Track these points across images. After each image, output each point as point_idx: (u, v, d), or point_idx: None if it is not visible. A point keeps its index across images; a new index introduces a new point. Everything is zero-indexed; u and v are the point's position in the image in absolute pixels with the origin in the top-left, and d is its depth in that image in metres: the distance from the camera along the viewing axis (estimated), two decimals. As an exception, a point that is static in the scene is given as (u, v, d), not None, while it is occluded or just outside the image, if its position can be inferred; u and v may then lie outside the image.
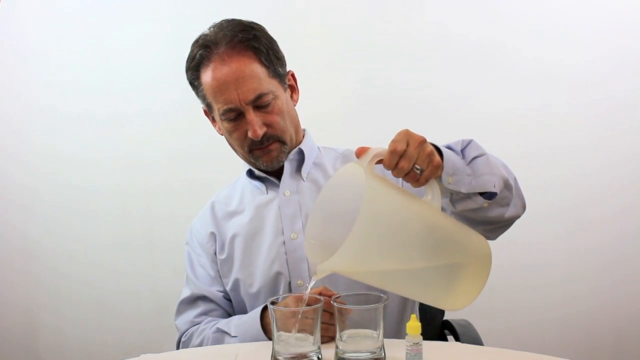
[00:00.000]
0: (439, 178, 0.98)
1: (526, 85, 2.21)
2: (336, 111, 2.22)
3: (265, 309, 1.18)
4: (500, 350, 1.06)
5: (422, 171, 0.93)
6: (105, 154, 2.32)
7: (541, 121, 2.21)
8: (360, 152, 0.92)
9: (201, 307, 1.32)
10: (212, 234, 1.35)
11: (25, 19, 2.32)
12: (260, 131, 1.23)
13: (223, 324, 1.26)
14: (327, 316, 1.05)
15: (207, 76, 1.25)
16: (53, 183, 2.34)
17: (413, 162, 0.92)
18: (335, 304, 0.97)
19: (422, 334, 0.96)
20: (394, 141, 0.92)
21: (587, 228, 2.22)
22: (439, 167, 0.97)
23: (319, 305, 0.97)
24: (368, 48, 2.23)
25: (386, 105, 2.21)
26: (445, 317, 1.50)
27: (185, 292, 1.35)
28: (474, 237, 0.98)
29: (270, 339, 1.14)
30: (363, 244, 0.86)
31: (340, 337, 0.97)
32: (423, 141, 0.94)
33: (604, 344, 2.25)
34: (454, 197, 1.05)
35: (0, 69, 2.33)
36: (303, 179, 1.33)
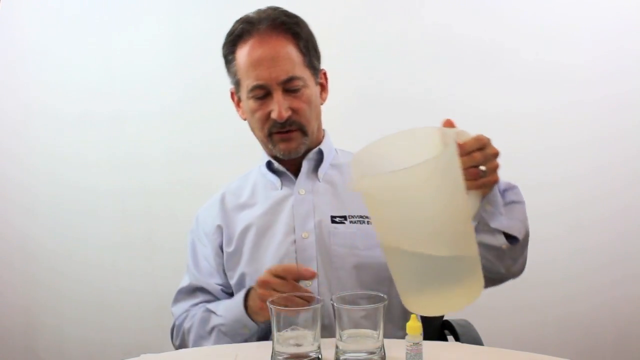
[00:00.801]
0: (481, 196, 1.01)
1: (526, 85, 2.21)
2: (336, 111, 2.20)
3: (249, 291, 1.19)
4: (500, 350, 1.06)
5: (484, 175, 0.97)
6: (105, 154, 2.32)
7: (541, 121, 2.22)
8: (449, 124, 0.97)
9: (199, 297, 1.33)
10: (219, 226, 1.33)
11: (25, 19, 2.32)
12: (285, 114, 1.23)
13: (212, 305, 1.27)
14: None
15: (243, 51, 1.25)
16: (53, 183, 2.34)
17: (485, 161, 0.96)
18: (335, 304, 0.97)
19: (422, 334, 0.96)
20: (480, 134, 0.97)
21: (587, 227, 2.22)
22: (494, 183, 1.00)
23: (318, 305, 0.97)
24: (368, 48, 2.23)
25: (385, 105, 2.21)
26: (445, 317, 1.50)
27: (185, 281, 1.35)
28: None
29: (252, 319, 1.17)
30: (411, 185, 0.85)
31: (340, 337, 0.97)
32: (498, 154, 0.99)
33: (604, 343, 2.25)
34: (478, 227, 1.07)
35: (0, 69, 2.33)
36: (319, 180, 1.32)
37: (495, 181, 1.00)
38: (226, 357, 1.07)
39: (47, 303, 2.37)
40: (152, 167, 2.31)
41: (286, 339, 0.96)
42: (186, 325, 1.29)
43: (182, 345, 1.31)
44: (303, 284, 1.23)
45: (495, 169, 0.99)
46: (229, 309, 1.21)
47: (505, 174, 1.11)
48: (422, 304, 0.95)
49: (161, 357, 1.09)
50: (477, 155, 0.96)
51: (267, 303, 0.98)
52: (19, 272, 2.38)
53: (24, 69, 2.33)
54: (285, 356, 0.96)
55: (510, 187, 1.14)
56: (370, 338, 0.96)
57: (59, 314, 2.36)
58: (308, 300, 1.02)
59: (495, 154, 0.98)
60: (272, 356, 0.98)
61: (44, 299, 2.37)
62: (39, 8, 2.31)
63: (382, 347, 0.97)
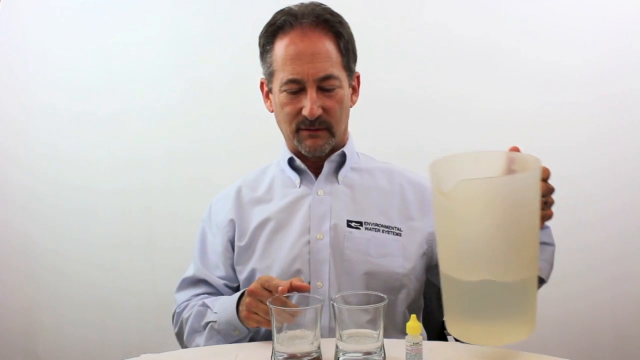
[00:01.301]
0: None
1: (526, 85, 2.21)
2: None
3: (242, 295, 1.18)
4: (500, 350, 1.07)
5: (544, 207, 0.98)
6: (105, 154, 2.32)
7: (540, 120, 2.21)
8: (515, 150, 0.98)
9: (202, 288, 1.33)
10: (232, 221, 1.32)
11: (25, 19, 2.32)
12: (317, 112, 1.22)
13: (210, 300, 1.27)
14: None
15: (282, 42, 1.24)
16: (53, 183, 2.34)
17: (547, 192, 0.98)
18: (335, 304, 0.97)
19: (422, 334, 0.96)
20: (544, 166, 0.98)
21: (586, 226, 2.22)
22: (549, 218, 1.02)
23: (318, 305, 0.97)
24: (367, 48, 2.21)
25: (386, 105, 2.21)
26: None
27: (190, 271, 1.36)
28: None
29: (242, 322, 1.16)
30: (492, 200, 0.83)
31: (340, 337, 0.97)
32: (554, 190, 1.02)
33: (604, 342, 2.25)
34: None
35: (0, 69, 2.33)
36: (338, 182, 1.32)
37: (551, 216, 1.01)
38: (226, 357, 1.08)
39: (47, 303, 2.37)
40: (152, 166, 2.31)
41: (286, 339, 0.97)
42: (185, 314, 1.29)
43: (180, 333, 1.31)
44: (314, 284, 1.23)
45: (552, 204, 1.00)
46: (223, 309, 1.20)
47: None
48: (476, 332, 0.92)
49: (161, 357, 1.09)
50: (543, 186, 0.96)
51: (267, 303, 0.98)
52: (19, 272, 2.38)
53: (24, 69, 2.33)
54: (285, 356, 0.96)
55: (543, 228, 1.14)
56: (370, 338, 0.96)
57: (59, 314, 2.36)
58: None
59: (552, 190, 0.99)
60: (272, 356, 0.98)
61: (44, 299, 2.37)
62: (39, 8, 2.31)
63: (382, 347, 0.97)
